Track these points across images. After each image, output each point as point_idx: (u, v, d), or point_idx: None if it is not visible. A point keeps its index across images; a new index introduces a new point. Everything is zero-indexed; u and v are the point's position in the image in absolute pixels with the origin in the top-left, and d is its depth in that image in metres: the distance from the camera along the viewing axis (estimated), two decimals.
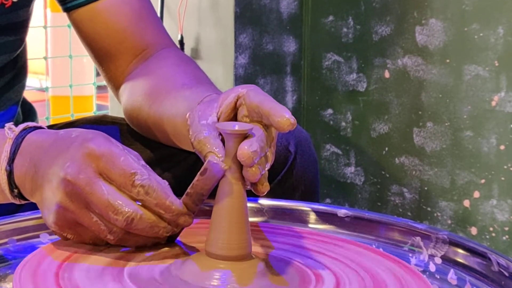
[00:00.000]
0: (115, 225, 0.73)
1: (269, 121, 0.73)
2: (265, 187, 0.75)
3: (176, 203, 0.74)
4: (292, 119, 0.73)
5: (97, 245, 0.76)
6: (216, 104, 0.81)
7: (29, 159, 0.81)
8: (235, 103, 0.79)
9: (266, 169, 0.75)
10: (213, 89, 0.98)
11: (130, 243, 0.76)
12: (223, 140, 0.74)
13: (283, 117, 0.72)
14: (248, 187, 0.74)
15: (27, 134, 0.83)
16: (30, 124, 0.86)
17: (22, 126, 0.85)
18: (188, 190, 0.74)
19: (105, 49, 1.17)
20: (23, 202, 0.84)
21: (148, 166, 0.76)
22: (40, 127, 0.86)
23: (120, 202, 0.72)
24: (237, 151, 0.70)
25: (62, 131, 0.81)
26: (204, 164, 0.72)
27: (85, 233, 0.76)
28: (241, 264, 0.71)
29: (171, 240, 0.78)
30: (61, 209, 0.74)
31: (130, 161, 0.73)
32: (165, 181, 0.75)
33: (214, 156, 0.73)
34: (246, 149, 0.70)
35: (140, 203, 0.73)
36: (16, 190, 0.83)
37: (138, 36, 1.16)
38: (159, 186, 0.73)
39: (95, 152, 0.74)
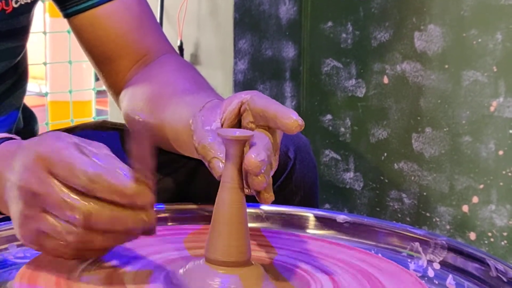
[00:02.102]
0: (74, 225, 0.69)
1: (276, 124, 0.73)
2: (271, 196, 0.74)
3: (128, 184, 0.68)
4: (300, 120, 0.73)
5: (60, 257, 0.72)
6: (219, 110, 0.81)
7: None
8: (239, 109, 0.80)
9: (270, 176, 0.74)
10: (214, 94, 0.99)
11: (96, 243, 0.70)
12: None
13: (291, 118, 0.72)
14: (252, 193, 0.74)
15: None
16: (2, 135, 0.83)
17: None
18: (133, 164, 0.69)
19: (105, 55, 1.17)
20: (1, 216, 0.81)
21: (112, 155, 0.72)
22: (12, 138, 0.83)
23: (75, 198, 0.68)
24: (244, 160, 0.69)
25: (25, 142, 0.78)
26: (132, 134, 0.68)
27: (47, 242, 0.71)
28: (240, 270, 0.71)
29: (147, 233, 0.72)
30: (23, 218, 0.72)
31: (71, 152, 0.70)
32: (120, 165, 0.70)
33: (219, 161, 0.73)
34: (253, 157, 0.69)
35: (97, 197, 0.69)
36: None
37: (138, 42, 1.17)
38: (105, 171, 0.68)
39: (41, 153, 0.71)
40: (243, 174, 0.71)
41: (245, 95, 0.80)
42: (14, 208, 0.73)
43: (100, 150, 0.73)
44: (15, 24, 1.14)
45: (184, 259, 0.77)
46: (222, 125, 0.79)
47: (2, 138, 0.82)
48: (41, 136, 0.75)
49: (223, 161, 0.72)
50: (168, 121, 1.00)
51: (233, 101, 0.80)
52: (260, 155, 0.69)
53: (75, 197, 0.68)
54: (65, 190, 0.69)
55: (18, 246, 0.85)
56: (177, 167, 1.13)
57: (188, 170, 1.13)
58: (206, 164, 0.75)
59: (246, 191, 0.74)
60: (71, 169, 0.68)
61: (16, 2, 1.12)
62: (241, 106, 0.80)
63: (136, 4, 1.17)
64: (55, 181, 0.69)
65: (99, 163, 0.69)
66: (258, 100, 0.77)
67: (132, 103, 1.12)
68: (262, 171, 0.69)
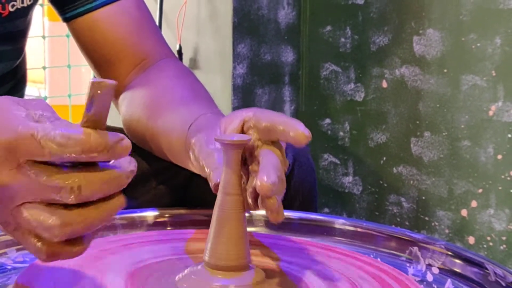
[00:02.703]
0: (63, 206, 0.62)
1: (285, 138, 0.73)
2: (281, 215, 0.72)
3: (102, 133, 0.61)
4: (307, 132, 0.72)
5: (44, 253, 0.64)
6: (219, 130, 0.81)
7: None
8: (242, 128, 0.78)
9: (283, 194, 0.73)
10: (209, 106, 0.99)
11: (88, 220, 0.63)
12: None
13: (297, 131, 0.72)
14: (258, 209, 0.74)
15: None
16: None
17: None
18: (87, 117, 0.60)
19: (104, 58, 1.17)
20: None
21: (54, 114, 0.65)
22: None
23: (57, 176, 0.61)
24: (256, 183, 0.68)
25: None
26: (87, 95, 0.59)
27: (28, 239, 0.65)
28: (240, 274, 0.71)
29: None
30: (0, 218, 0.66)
31: (28, 125, 0.62)
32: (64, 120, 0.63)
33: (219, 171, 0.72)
34: (265, 180, 0.68)
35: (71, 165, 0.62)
36: None
37: (137, 46, 1.17)
38: (71, 128, 0.60)
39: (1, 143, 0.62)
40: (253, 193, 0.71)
41: (246, 113, 0.79)
42: None
43: (41, 105, 0.66)
44: (11, 27, 1.14)
45: (182, 264, 0.77)
46: None
47: None
48: None
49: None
50: (162, 131, 1.01)
51: (233, 120, 0.79)
52: (271, 177, 0.68)
53: (56, 175, 0.61)
54: (40, 173, 0.61)
55: (18, 250, 0.85)
56: (173, 174, 1.14)
57: (183, 178, 1.13)
58: (207, 176, 0.75)
59: (252, 205, 0.73)
60: (34, 142, 0.60)
61: (12, 6, 1.12)
62: (243, 124, 0.78)
63: (135, 8, 1.17)
64: (30, 168, 0.62)
65: (54, 124, 0.62)
66: (263, 115, 0.76)
67: (130, 109, 1.12)
68: (274, 193, 0.68)
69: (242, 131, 0.78)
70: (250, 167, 0.73)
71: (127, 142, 0.62)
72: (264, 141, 0.75)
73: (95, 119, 0.60)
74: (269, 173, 0.69)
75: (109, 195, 0.63)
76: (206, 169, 0.75)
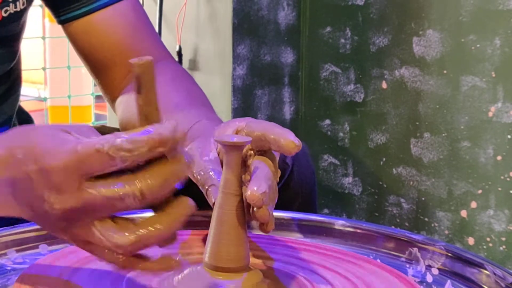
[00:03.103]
0: (129, 225, 0.64)
1: (277, 146, 0.74)
2: (271, 226, 0.73)
3: (160, 128, 0.64)
4: (297, 141, 0.73)
5: (114, 262, 0.67)
6: (212, 139, 0.81)
7: None
8: None
9: (274, 204, 0.74)
10: (205, 111, 0.99)
11: (159, 228, 0.65)
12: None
13: (287, 139, 0.73)
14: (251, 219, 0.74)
15: None
16: None
17: None
18: (140, 98, 0.65)
19: (101, 62, 1.17)
20: None
21: (99, 135, 0.67)
22: None
23: (119, 187, 0.63)
24: (246, 193, 0.69)
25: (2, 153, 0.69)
26: (132, 77, 0.63)
27: (98, 250, 0.67)
28: (239, 276, 0.71)
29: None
30: (69, 235, 0.67)
31: (86, 144, 0.64)
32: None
33: (216, 188, 0.72)
34: (255, 191, 0.68)
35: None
36: None
37: (133, 49, 1.16)
38: (130, 135, 0.63)
39: (58, 167, 0.64)
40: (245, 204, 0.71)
41: (240, 123, 0.79)
42: (54, 226, 0.67)
43: (85, 129, 0.69)
44: (5, 32, 1.14)
45: (181, 265, 0.77)
46: (218, 154, 0.79)
47: None
48: (30, 141, 0.67)
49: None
50: None
51: (227, 129, 0.80)
52: (261, 187, 0.69)
53: (118, 186, 0.63)
54: (100, 185, 0.63)
55: (17, 251, 0.85)
56: None
57: (184, 177, 1.13)
58: (204, 191, 0.75)
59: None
60: (103, 156, 0.63)
61: (5, 12, 1.12)
62: (236, 133, 0.79)
63: (131, 10, 1.17)
64: (89, 186, 0.64)
65: (112, 136, 0.64)
66: (255, 125, 0.77)
67: (126, 114, 1.12)
68: (265, 202, 0.69)
69: None
70: (242, 176, 0.74)
71: (180, 127, 0.64)
72: (256, 151, 0.76)
73: (147, 97, 0.63)
74: (260, 183, 0.69)
75: (176, 198, 0.65)
76: (204, 186, 0.75)
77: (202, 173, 0.75)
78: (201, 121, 0.92)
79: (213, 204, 0.71)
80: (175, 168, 0.64)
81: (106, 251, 0.66)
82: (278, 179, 0.76)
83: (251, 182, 0.70)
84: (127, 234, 0.64)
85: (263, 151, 0.77)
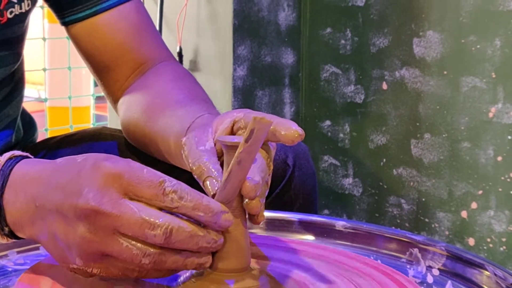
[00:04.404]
0: (151, 245, 0.66)
1: (276, 137, 0.72)
2: (262, 217, 0.73)
3: (213, 202, 0.68)
4: (300, 130, 0.72)
5: (128, 277, 0.69)
6: (210, 129, 0.80)
7: (23, 194, 0.72)
8: (232, 128, 0.78)
9: (265, 196, 0.73)
10: (207, 107, 0.98)
11: (167, 264, 0.68)
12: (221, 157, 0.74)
13: (290, 129, 0.72)
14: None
15: (14, 165, 0.75)
16: (16, 153, 0.77)
17: (7, 155, 0.76)
18: (243, 146, 0.67)
19: (103, 63, 1.17)
20: (11, 240, 0.76)
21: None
22: (27, 156, 0.77)
23: (155, 215, 0.66)
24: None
25: (59, 159, 0.73)
26: (248, 127, 0.66)
27: (113, 264, 0.68)
28: (240, 276, 0.71)
29: (204, 266, 0.70)
30: (85, 242, 0.67)
31: (153, 171, 0.68)
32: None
33: (213, 180, 0.72)
34: (248, 181, 0.68)
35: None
36: (6, 228, 0.74)
37: (136, 50, 1.17)
38: (190, 189, 0.68)
39: (114, 170, 0.67)
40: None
41: (237, 113, 0.78)
42: (68, 231, 0.68)
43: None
44: (9, 34, 1.14)
45: None
46: (215, 144, 0.79)
47: (17, 156, 0.76)
48: (96, 154, 0.70)
49: (218, 179, 0.72)
50: (161, 135, 1.01)
51: (224, 120, 0.79)
52: (255, 178, 0.69)
53: (154, 215, 0.66)
54: (142, 209, 0.66)
55: (18, 253, 0.85)
56: (176, 175, 1.13)
57: (184, 180, 1.13)
58: (201, 183, 0.74)
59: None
60: (158, 187, 0.66)
61: (11, 13, 1.12)
62: (233, 124, 0.78)
63: (134, 12, 1.17)
64: (129, 201, 0.66)
65: (179, 182, 0.68)
66: (253, 116, 0.76)
67: (128, 113, 1.12)
68: (258, 194, 0.69)
69: (232, 131, 0.78)
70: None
71: (229, 217, 0.69)
72: None
73: (250, 150, 0.66)
74: (253, 174, 0.69)
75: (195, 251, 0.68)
76: (200, 178, 0.75)
77: (197, 164, 0.74)
78: (203, 116, 0.92)
79: (213, 196, 0.71)
80: (205, 235, 0.68)
81: (122, 265, 0.68)
82: (271, 171, 0.76)
83: None
84: (146, 255, 0.67)
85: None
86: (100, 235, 0.66)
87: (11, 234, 0.75)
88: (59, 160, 0.73)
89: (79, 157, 0.71)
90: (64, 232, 0.68)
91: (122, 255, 0.67)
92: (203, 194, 0.68)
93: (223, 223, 0.68)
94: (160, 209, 0.67)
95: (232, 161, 0.67)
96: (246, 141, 0.66)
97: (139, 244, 0.66)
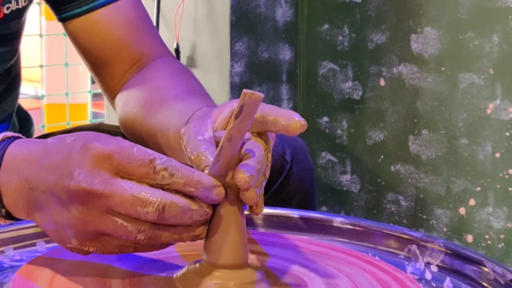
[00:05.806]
0: (144, 221, 0.67)
1: (277, 127, 0.72)
2: (260, 208, 0.73)
3: (204, 176, 0.68)
4: (303, 121, 0.71)
5: (124, 253, 0.71)
6: (210, 120, 0.80)
7: (17, 175, 0.73)
8: (231, 118, 0.78)
9: (263, 187, 0.73)
10: (205, 101, 0.98)
11: (162, 239, 0.69)
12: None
13: (293, 119, 0.71)
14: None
15: (7, 146, 0.76)
16: (8, 134, 0.78)
17: (0, 136, 0.77)
18: (233, 123, 0.67)
19: (100, 59, 1.17)
20: (9, 222, 0.78)
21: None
22: (19, 137, 0.78)
23: (146, 193, 0.66)
24: (234, 175, 0.69)
25: (50, 139, 0.74)
26: (238, 103, 0.66)
27: (109, 242, 0.69)
28: (238, 273, 0.71)
29: (199, 237, 0.72)
30: (80, 222, 0.68)
31: (143, 149, 0.68)
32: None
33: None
34: (243, 172, 0.68)
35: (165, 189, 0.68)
36: (3, 210, 0.75)
37: (133, 46, 1.16)
38: (181, 165, 0.68)
39: (104, 151, 0.67)
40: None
41: (236, 103, 0.78)
42: (62, 213, 0.69)
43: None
44: (6, 29, 1.14)
45: (179, 262, 0.77)
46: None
47: (9, 137, 0.77)
48: (85, 132, 0.71)
49: None
50: (159, 128, 1.00)
51: (224, 110, 0.79)
52: (249, 169, 0.68)
53: (146, 192, 0.67)
54: (134, 187, 0.67)
55: (15, 249, 0.85)
56: None
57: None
58: None
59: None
60: (149, 165, 0.67)
61: (7, 9, 1.12)
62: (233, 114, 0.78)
63: (131, 8, 1.17)
64: (121, 180, 0.67)
65: (170, 159, 0.68)
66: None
67: (126, 108, 1.12)
68: (252, 185, 0.69)
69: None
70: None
71: (221, 191, 0.69)
72: (252, 132, 0.75)
73: (240, 127, 0.66)
74: (248, 166, 0.69)
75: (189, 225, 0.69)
76: (199, 168, 0.74)
77: (196, 153, 0.74)
78: (201, 108, 0.92)
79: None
80: (198, 208, 0.68)
81: (117, 242, 0.69)
82: (270, 162, 0.75)
83: (240, 165, 0.69)
84: (141, 230, 0.68)
85: (258, 133, 0.75)
86: (94, 215, 0.67)
87: (8, 215, 0.76)
88: (49, 140, 0.74)
89: (69, 137, 0.71)
90: (59, 214, 0.69)
91: (117, 232, 0.68)
92: (194, 169, 0.69)
93: (215, 197, 0.69)
94: (153, 186, 0.67)
95: (222, 138, 0.68)
96: (236, 117, 0.66)
97: (133, 221, 0.67)
